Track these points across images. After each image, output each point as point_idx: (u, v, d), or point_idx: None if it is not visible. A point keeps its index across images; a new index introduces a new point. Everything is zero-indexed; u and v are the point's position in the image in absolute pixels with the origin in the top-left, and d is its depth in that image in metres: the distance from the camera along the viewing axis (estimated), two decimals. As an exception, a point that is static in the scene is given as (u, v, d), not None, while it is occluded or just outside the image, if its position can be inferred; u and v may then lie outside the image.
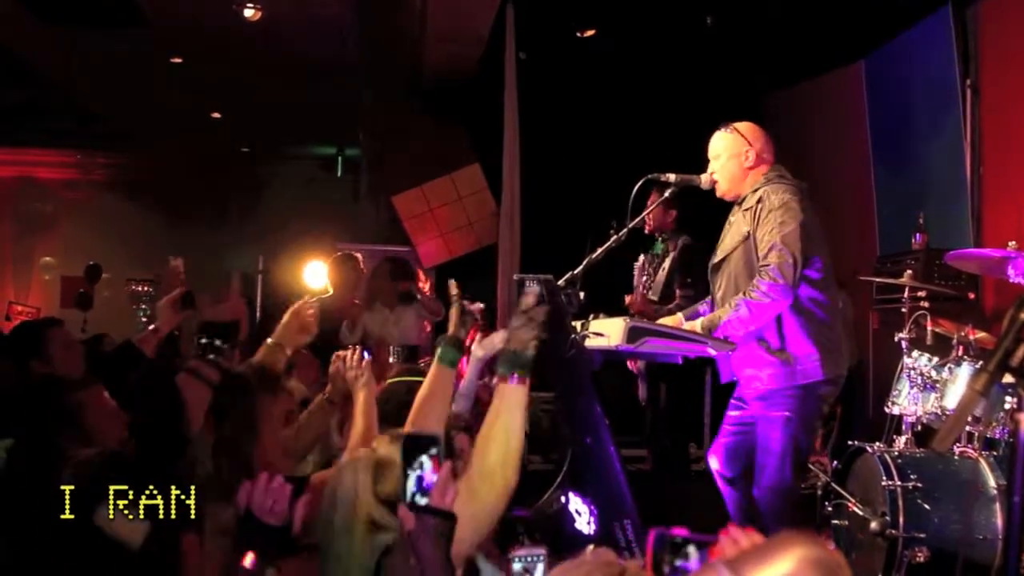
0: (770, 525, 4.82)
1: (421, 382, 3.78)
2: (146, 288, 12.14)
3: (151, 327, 5.10)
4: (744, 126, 5.06)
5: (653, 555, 1.82)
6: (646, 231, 7.49)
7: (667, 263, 7.51)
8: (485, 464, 2.85)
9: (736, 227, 5.00)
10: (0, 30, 10.33)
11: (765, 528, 4.81)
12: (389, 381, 4.45)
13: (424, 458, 2.44)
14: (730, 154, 5.01)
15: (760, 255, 4.76)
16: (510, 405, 2.93)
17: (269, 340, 4.32)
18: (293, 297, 4.75)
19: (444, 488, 2.42)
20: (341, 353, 4.18)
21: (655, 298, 7.45)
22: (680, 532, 1.81)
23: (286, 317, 4.48)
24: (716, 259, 5.10)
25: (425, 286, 8.60)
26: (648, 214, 6.34)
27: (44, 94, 12.70)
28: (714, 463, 5.14)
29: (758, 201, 4.86)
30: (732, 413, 5.13)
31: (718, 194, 5.08)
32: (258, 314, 11.42)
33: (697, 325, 4.79)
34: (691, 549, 1.78)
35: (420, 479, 2.43)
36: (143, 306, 11.04)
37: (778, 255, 4.66)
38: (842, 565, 1.27)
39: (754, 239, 4.83)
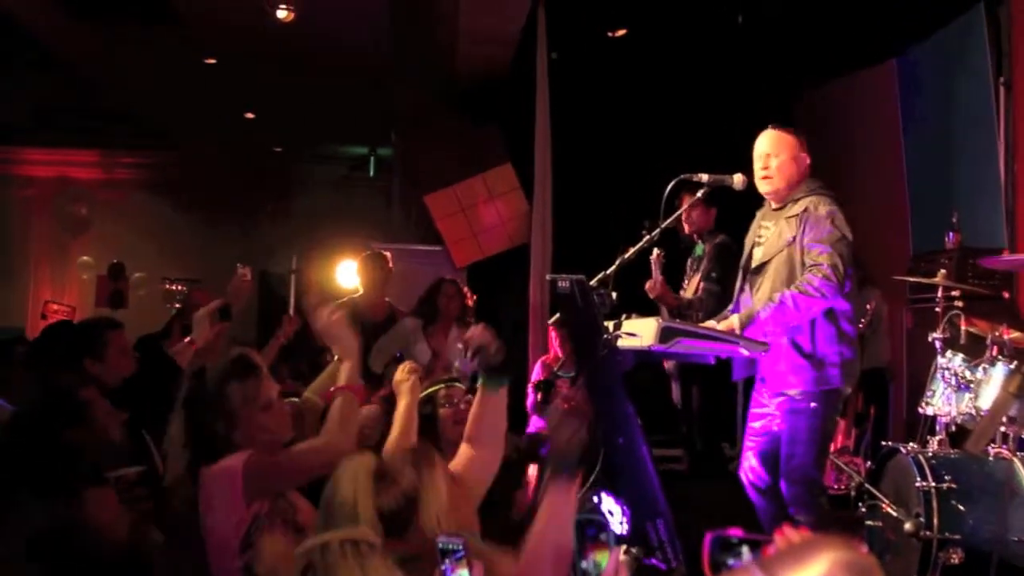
0: (797, 516, 4.87)
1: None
2: (180, 288, 12.25)
3: (187, 339, 5.12)
4: (798, 133, 5.14)
5: (710, 557, 1.84)
6: (686, 231, 7.49)
7: (703, 264, 7.50)
8: None
9: (777, 233, 5.05)
10: (37, 31, 10.47)
11: (793, 520, 4.86)
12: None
13: (446, 563, 2.39)
14: (792, 155, 5.08)
15: (810, 258, 4.85)
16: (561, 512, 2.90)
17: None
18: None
19: None
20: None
21: (689, 296, 7.45)
22: (735, 533, 1.83)
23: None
24: (756, 263, 5.14)
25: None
26: (684, 216, 6.33)
27: (80, 94, 12.83)
28: (747, 477, 5.17)
29: (804, 210, 4.94)
30: (755, 424, 5.20)
31: (768, 190, 5.13)
32: (291, 312, 11.49)
33: (734, 320, 4.84)
34: (744, 549, 1.80)
35: None
36: (177, 305, 11.14)
37: (829, 257, 4.78)
38: (874, 568, 1.28)
39: (800, 244, 4.90)
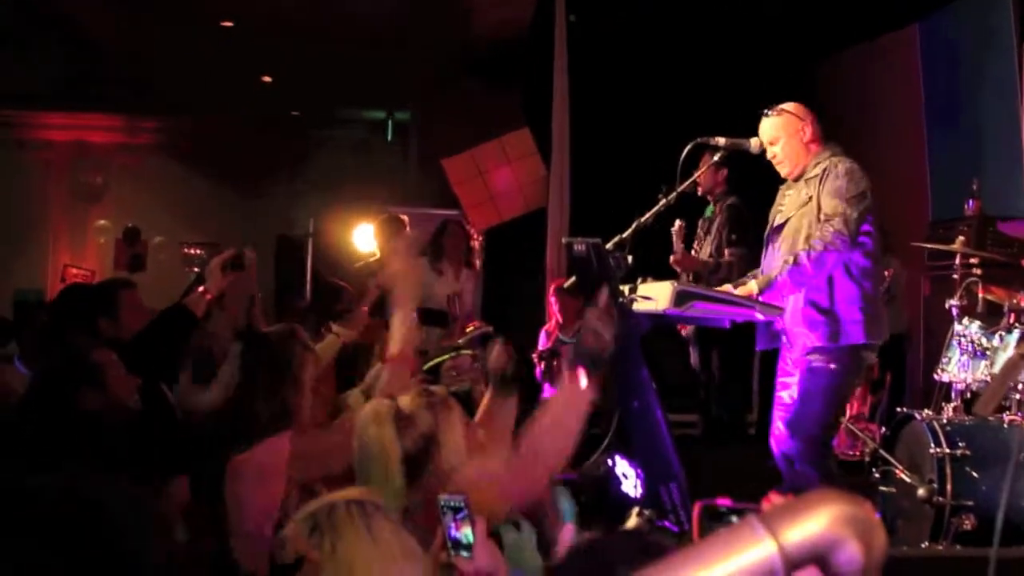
0: (806, 473, 4.90)
1: None
2: (199, 252, 12.26)
3: (200, 288, 5.15)
4: (791, 106, 5.17)
5: (699, 526, 1.84)
6: (699, 193, 7.47)
7: (715, 227, 7.49)
8: (539, 450, 2.88)
9: (797, 194, 5.12)
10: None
11: (802, 476, 4.92)
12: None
13: (449, 519, 2.40)
14: (789, 134, 5.10)
15: (824, 212, 4.89)
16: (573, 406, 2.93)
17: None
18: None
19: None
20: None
21: (705, 258, 7.45)
22: (724, 502, 1.83)
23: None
24: (777, 222, 5.20)
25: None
26: (699, 177, 6.33)
27: (96, 59, 12.81)
28: (777, 447, 5.19)
29: (824, 170, 4.99)
30: (782, 394, 5.23)
31: (785, 172, 5.19)
32: (308, 276, 11.53)
33: (753, 286, 4.85)
34: (734, 519, 1.79)
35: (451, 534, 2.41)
36: (195, 269, 11.19)
37: (843, 208, 4.83)
38: (876, 523, 1.28)
39: (817, 201, 4.95)
